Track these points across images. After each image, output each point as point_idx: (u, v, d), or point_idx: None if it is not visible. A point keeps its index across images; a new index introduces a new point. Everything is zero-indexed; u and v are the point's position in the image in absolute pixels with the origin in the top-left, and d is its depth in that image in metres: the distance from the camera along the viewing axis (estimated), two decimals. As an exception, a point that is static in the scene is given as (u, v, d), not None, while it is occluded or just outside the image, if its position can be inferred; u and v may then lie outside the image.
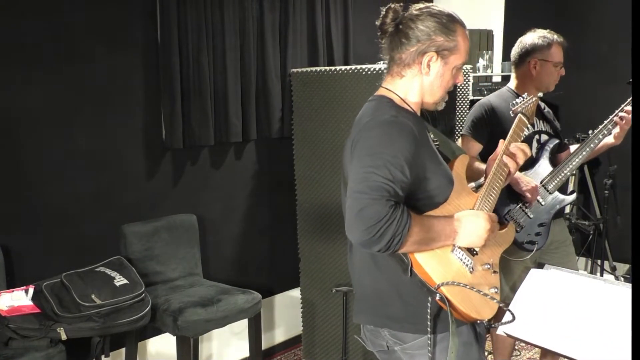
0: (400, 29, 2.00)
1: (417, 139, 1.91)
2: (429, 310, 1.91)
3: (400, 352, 2.06)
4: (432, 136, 2.13)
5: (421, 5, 2.03)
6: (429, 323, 1.92)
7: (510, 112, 2.46)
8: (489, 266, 2.03)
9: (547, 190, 3.11)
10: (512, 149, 2.20)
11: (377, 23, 2.06)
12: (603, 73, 5.00)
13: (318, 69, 4.01)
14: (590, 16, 5.10)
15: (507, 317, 1.95)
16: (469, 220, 1.94)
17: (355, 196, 1.80)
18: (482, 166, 2.36)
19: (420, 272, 1.90)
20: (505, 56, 5.36)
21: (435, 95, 2.06)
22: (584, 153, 3.13)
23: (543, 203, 3.10)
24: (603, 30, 5.03)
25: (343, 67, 3.87)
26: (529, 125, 2.57)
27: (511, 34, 5.38)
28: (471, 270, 1.96)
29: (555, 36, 3.18)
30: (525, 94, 2.58)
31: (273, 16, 4.17)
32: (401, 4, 2.04)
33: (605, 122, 3.12)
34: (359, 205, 1.77)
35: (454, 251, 1.94)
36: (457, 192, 2.03)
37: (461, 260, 1.95)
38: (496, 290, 2.03)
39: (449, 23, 1.98)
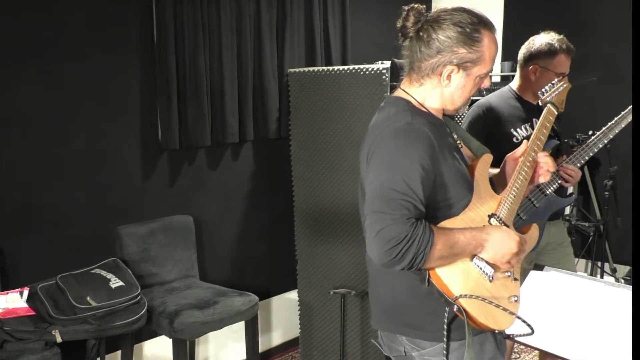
0: (421, 36, 1.90)
1: (433, 145, 1.85)
2: (445, 320, 1.89)
3: (418, 357, 2.03)
4: (455, 136, 2.07)
5: (447, 8, 1.91)
6: (445, 333, 1.90)
7: (539, 101, 2.37)
8: (509, 274, 1.97)
9: (543, 193, 3.06)
10: (541, 162, 2.11)
11: (398, 25, 1.95)
12: (603, 74, 4.97)
13: (315, 69, 4.00)
14: (590, 16, 5.08)
15: (525, 328, 1.92)
16: (501, 239, 1.89)
17: (375, 216, 1.76)
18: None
19: (438, 283, 1.86)
20: (505, 56, 5.34)
21: (456, 104, 1.99)
22: (586, 158, 3.10)
23: (537, 205, 3.05)
24: (603, 31, 5.01)
25: (341, 67, 3.85)
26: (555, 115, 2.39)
27: (511, 34, 5.36)
28: (491, 279, 1.91)
29: (564, 45, 3.08)
30: (556, 79, 2.43)
31: (270, 15, 4.15)
32: (424, 5, 1.93)
33: (604, 128, 3.10)
34: (378, 225, 1.74)
35: (473, 260, 1.89)
36: (479, 196, 1.97)
37: (481, 269, 1.90)
38: (516, 298, 1.97)
39: (473, 32, 1.87)
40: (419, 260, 1.74)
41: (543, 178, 2.13)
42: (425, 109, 1.97)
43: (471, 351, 1.88)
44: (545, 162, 2.12)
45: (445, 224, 1.89)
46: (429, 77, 1.94)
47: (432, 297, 1.90)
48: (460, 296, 1.83)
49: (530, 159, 2.10)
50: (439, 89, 1.95)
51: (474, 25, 1.88)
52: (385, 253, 1.72)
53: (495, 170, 2.22)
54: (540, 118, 2.24)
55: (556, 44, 3.07)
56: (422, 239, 1.72)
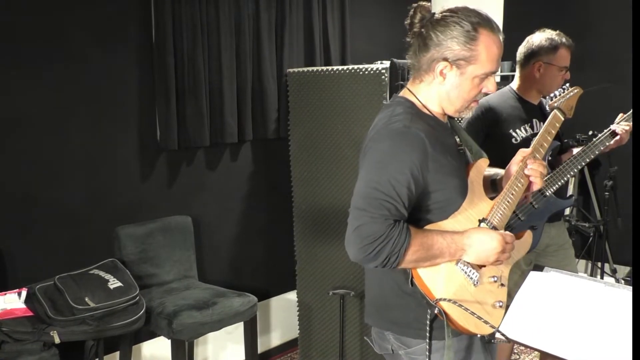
0: (422, 32, 1.92)
1: (427, 152, 1.85)
2: (427, 322, 1.91)
3: (405, 356, 2.05)
4: (457, 140, 2.07)
5: (451, 8, 1.93)
6: (427, 335, 1.92)
7: (547, 105, 2.37)
8: (496, 279, 1.98)
9: (542, 194, 3.04)
10: (528, 170, 2.05)
11: (406, 22, 1.97)
12: (603, 73, 4.97)
13: (315, 68, 3.98)
14: (590, 16, 5.07)
15: (514, 330, 1.91)
16: (480, 240, 1.90)
17: (355, 212, 1.79)
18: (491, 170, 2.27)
19: (420, 285, 1.89)
20: (505, 56, 5.30)
21: (454, 105, 1.97)
22: (587, 160, 3.08)
23: (536, 206, 3.04)
24: (603, 30, 5.00)
25: (340, 67, 3.84)
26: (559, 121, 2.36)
27: (510, 34, 5.35)
28: (476, 283, 1.92)
29: (564, 39, 3.10)
30: (567, 84, 2.44)
31: (269, 15, 4.14)
32: (429, 2, 1.95)
33: (605, 131, 3.09)
34: (357, 222, 1.78)
35: (459, 264, 1.91)
36: (471, 200, 1.97)
37: (466, 273, 1.91)
38: (501, 304, 1.98)
39: (471, 31, 1.86)
40: (393, 260, 1.77)
41: (536, 185, 2.09)
42: (429, 110, 1.98)
43: (450, 352, 1.90)
44: (533, 169, 2.06)
45: (432, 226, 1.91)
46: (426, 73, 1.95)
47: (416, 295, 1.93)
48: (441, 299, 1.85)
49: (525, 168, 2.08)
50: (435, 86, 1.95)
51: (472, 24, 1.88)
52: (360, 249, 1.76)
53: (500, 172, 2.20)
54: (545, 123, 2.24)
55: (556, 38, 3.10)
56: (398, 240, 1.76)
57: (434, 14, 1.93)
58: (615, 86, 4.68)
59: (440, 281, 1.88)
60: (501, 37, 1.95)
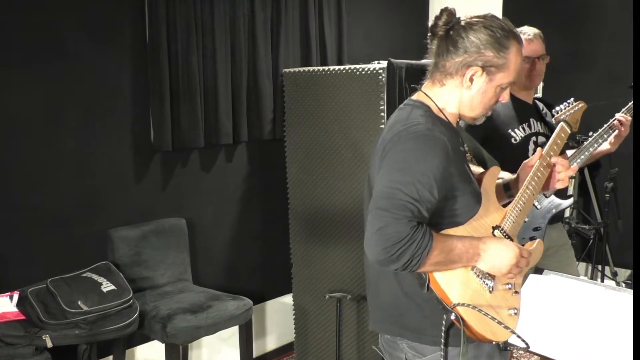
0: (450, 35, 1.92)
1: (449, 155, 1.85)
2: (443, 328, 1.89)
3: None
4: (465, 147, 2.07)
5: (479, 14, 1.94)
6: (442, 340, 1.90)
7: (553, 119, 2.39)
8: (510, 286, 1.97)
9: (544, 194, 3.05)
10: (557, 166, 2.13)
11: (429, 24, 1.96)
12: (603, 74, 4.95)
13: (311, 69, 3.97)
14: (590, 17, 5.06)
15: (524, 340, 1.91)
16: (497, 249, 1.89)
17: (377, 213, 1.76)
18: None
19: (437, 289, 1.87)
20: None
21: (474, 111, 1.99)
22: (582, 157, 3.07)
23: (539, 207, 3.05)
24: (603, 31, 4.99)
25: (336, 67, 3.83)
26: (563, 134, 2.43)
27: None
28: (491, 290, 1.91)
29: (523, 31, 3.10)
30: (572, 99, 2.48)
31: (265, 14, 4.12)
32: (453, 7, 1.95)
33: (605, 125, 3.08)
34: (379, 222, 1.74)
35: (474, 269, 1.89)
36: (485, 208, 1.97)
37: (481, 279, 1.90)
38: (515, 311, 1.97)
39: (503, 38, 1.89)
40: (415, 263, 1.74)
41: (561, 184, 2.15)
42: (445, 116, 1.97)
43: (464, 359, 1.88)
44: (563, 169, 2.14)
45: (447, 232, 1.89)
46: (451, 76, 1.94)
47: (432, 301, 1.90)
48: (458, 304, 1.83)
49: (539, 174, 2.11)
50: (459, 90, 1.95)
51: (504, 31, 1.91)
52: (382, 251, 1.72)
53: (511, 176, 2.23)
54: (553, 135, 2.26)
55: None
56: (421, 242, 1.72)
57: (459, 18, 1.94)
58: (614, 86, 4.67)
59: (456, 286, 1.86)
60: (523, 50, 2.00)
